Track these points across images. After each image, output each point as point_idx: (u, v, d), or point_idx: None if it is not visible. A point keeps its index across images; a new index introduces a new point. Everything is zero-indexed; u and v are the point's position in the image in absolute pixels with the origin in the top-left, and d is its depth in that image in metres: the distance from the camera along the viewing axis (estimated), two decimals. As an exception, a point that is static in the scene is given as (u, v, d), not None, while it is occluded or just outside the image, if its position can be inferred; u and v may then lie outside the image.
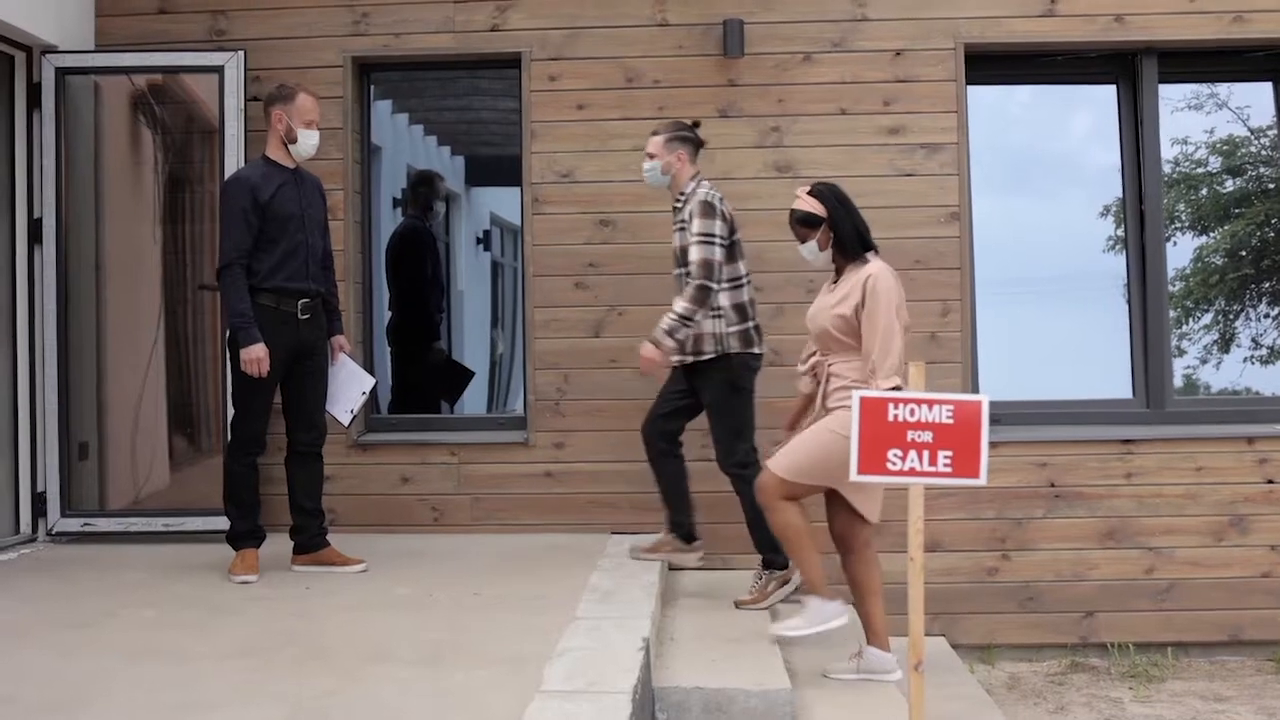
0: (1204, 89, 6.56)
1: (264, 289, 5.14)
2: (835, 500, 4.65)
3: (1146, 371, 6.29)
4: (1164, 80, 6.33)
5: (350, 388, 5.50)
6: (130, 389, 6.27)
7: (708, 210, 5.15)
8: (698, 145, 5.36)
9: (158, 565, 5.48)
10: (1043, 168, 6.66)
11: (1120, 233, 6.49)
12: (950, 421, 3.79)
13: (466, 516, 6.17)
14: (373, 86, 6.62)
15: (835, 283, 4.68)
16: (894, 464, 3.82)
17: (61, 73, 6.04)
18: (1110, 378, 6.44)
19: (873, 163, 6.15)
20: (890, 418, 3.82)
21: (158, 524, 6.05)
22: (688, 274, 5.13)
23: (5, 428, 6.09)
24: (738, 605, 5.20)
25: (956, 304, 6.12)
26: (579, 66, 6.22)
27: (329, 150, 6.16)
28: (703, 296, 5.08)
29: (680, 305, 5.08)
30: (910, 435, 3.81)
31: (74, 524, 6.06)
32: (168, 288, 6.31)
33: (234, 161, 5.97)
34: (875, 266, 4.52)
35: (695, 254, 5.10)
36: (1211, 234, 6.74)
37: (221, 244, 5.13)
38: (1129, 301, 6.37)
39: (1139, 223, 6.32)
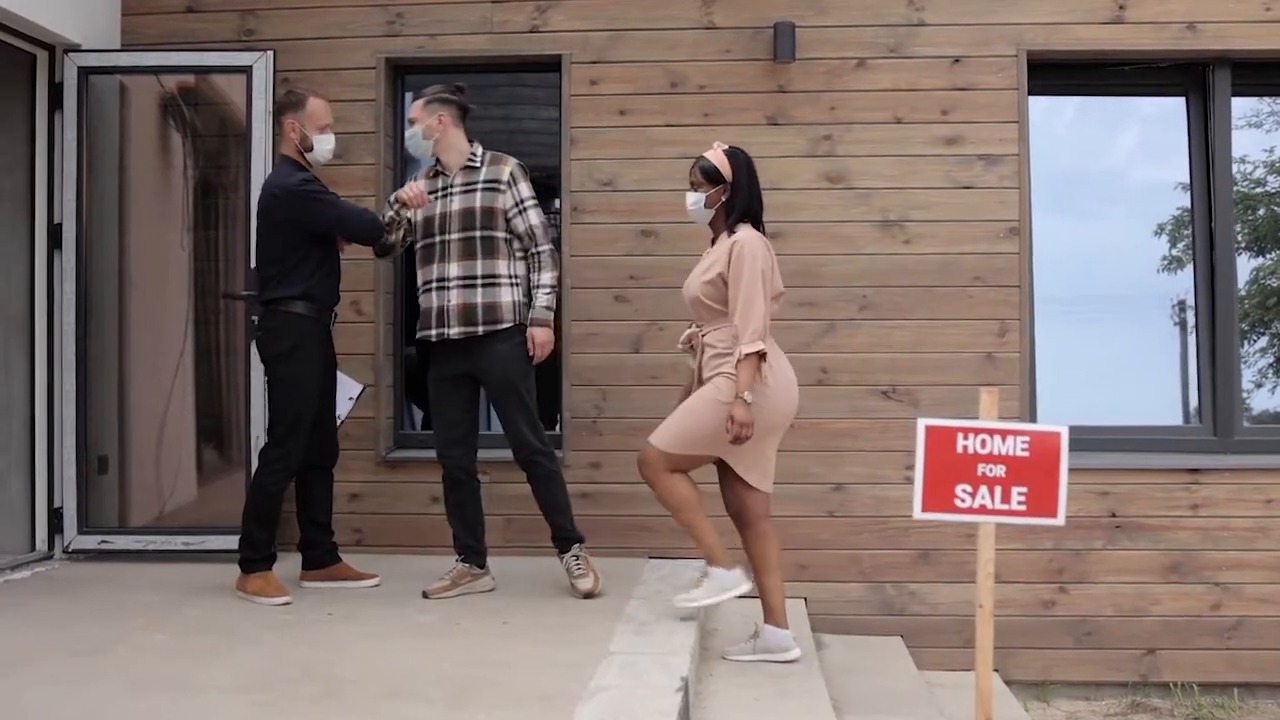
0: (1264, 105, 6.31)
1: (304, 298, 5.00)
2: (727, 475, 4.60)
3: (1214, 398, 6.04)
4: (1237, 93, 6.07)
5: (339, 394, 5.40)
6: (155, 401, 6.11)
7: (528, 173, 5.15)
8: (463, 108, 5.18)
9: (175, 586, 5.30)
10: (1086, 184, 6.40)
11: (1176, 252, 6.28)
12: (1025, 454, 3.53)
13: (498, 538, 5.92)
14: (408, 90, 6.40)
15: (707, 251, 4.67)
16: (962, 501, 3.56)
17: (84, 72, 5.87)
18: (1160, 403, 6.28)
19: (929, 174, 5.91)
20: (959, 449, 3.57)
21: (177, 542, 5.86)
22: (485, 237, 5.03)
23: (22, 440, 5.93)
24: (425, 594, 5.08)
25: (1015, 323, 5.88)
26: (621, 70, 6.02)
27: (361, 155, 6.02)
28: (558, 261, 5.18)
29: (548, 276, 5.07)
30: (981, 469, 3.55)
31: (91, 541, 5.87)
32: (197, 297, 6.14)
33: (261, 165, 5.78)
34: (745, 234, 4.49)
35: (536, 217, 5.09)
36: (1269, 255, 6.50)
37: (335, 214, 5.00)
38: (1196, 324, 6.14)
39: (1208, 241, 6.07)
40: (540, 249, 5.07)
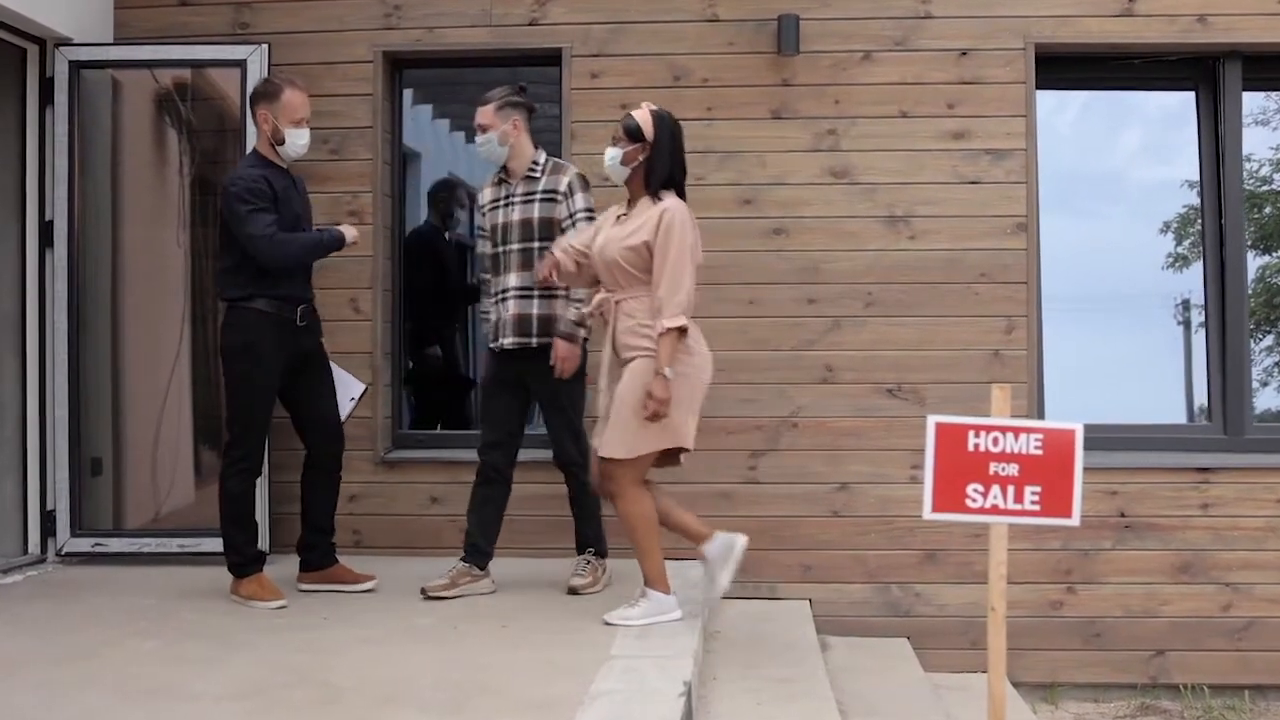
0: (1271, 102, 6.24)
1: (266, 295, 4.89)
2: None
3: (1224, 396, 5.96)
4: (1248, 87, 5.99)
5: (339, 394, 5.29)
6: (150, 402, 6.03)
7: (586, 185, 5.08)
8: (530, 110, 5.15)
9: (168, 589, 5.21)
10: (1089, 183, 6.34)
11: (1181, 249, 6.23)
12: (1039, 453, 3.42)
13: (499, 540, 5.84)
14: (406, 85, 6.35)
15: (626, 214, 4.59)
16: (974, 501, 3.45)
17: (76, 66, 5.78)
18: (1164, 401, 6.24)
19: (935, 169, 5.83)
20: (970, 447, 3.46)
21: (172, 544, 5.77)
22: (543, 248, 4.92)
23: (14, 442, 5.83)
24: (424, 591, 5.05)
25: (1022, 320, 5.79)
26: (623, 63, 5.92)
27: (358, 150, 5.94)
28: None
29: (586, 291, 4.92)
30: (993, 468, 3.44)
31: (84, 544, 5.78)
32: (193, 296, 6.04)
33: (257, 162, 5.69)
34: (672, 202, 4.45)
35: None
36: (1275, 253, 6.46)
37: (252, 224, 4.76)
38: (1206, 322, 6.06)
39: (1218, 238, 5.99)
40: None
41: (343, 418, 5.28)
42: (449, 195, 7.14)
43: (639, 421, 4.36)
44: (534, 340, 4.99)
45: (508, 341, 5.04)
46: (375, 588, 5.14)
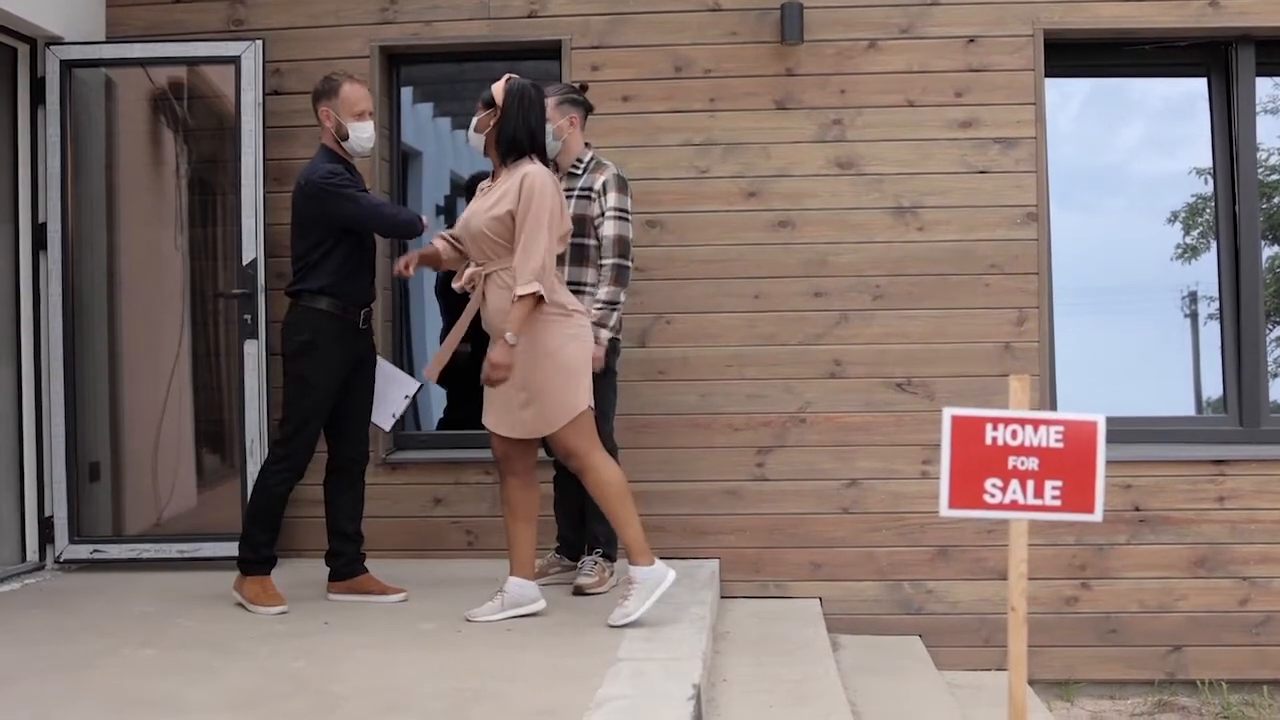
0: (1280, 92, 6.18)
1: (330, 294, 4.85)
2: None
3: (1240, 387, 5.88)
4: (1261, 72, 5.90)
5: (391, 391, 5.21)
6: (149, 406, 5.94)
7: (623, 185, 5.06)
8: (588, 109, 5.17)
9: (168, 596, 5.14)
10: (1094, 175, 6.26)
11: (1190, 239, 6.15)
12: (1060, 445, 3.29)
13: (503, 540, 5.64)
14: (404, 80, 6.27)
15: (492, 183, 4.62)
16: (993, 496, 3.32)
17: (68, 65, 5.70)
18: (1175, 393, 6.17)
19: (943, 159, 5.74)
20: (988, 441, 3.34)
21: (172, 550, 5.70)
22: (576, 245, 4.96)
23: (10, 448, 5.75)
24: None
25: (1034, 312, 5.71)
26: (624, 55, 5.84)
27: (354, 147, 5.83)
28: (624, 277, 5.01)
29: (604, 291, 4.96)
30: (1012, 462, 3.32)
31: (83, 551, 5.71)
32: (193, 298, 5.97)
33: (251, 160, 5.64)
34: (533, 167, 4.47)
35: (612, 229, 4.98)
36: None
37: (357, 210, 4.85)
38: (1220, 312, 5.98)
39: (1232, 226, 5.91)
40: (605, 261, 4.96)
41: (397, 415, 5.24)
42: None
43: (563, 385, 4.43)
44: None
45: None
46: (406, 599, 5.00)
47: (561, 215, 4.50)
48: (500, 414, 4.57)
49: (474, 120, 4.60)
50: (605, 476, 4.49)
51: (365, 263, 5.01)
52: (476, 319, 4.63)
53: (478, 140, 4.61)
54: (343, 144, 4.91)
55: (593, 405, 4.52)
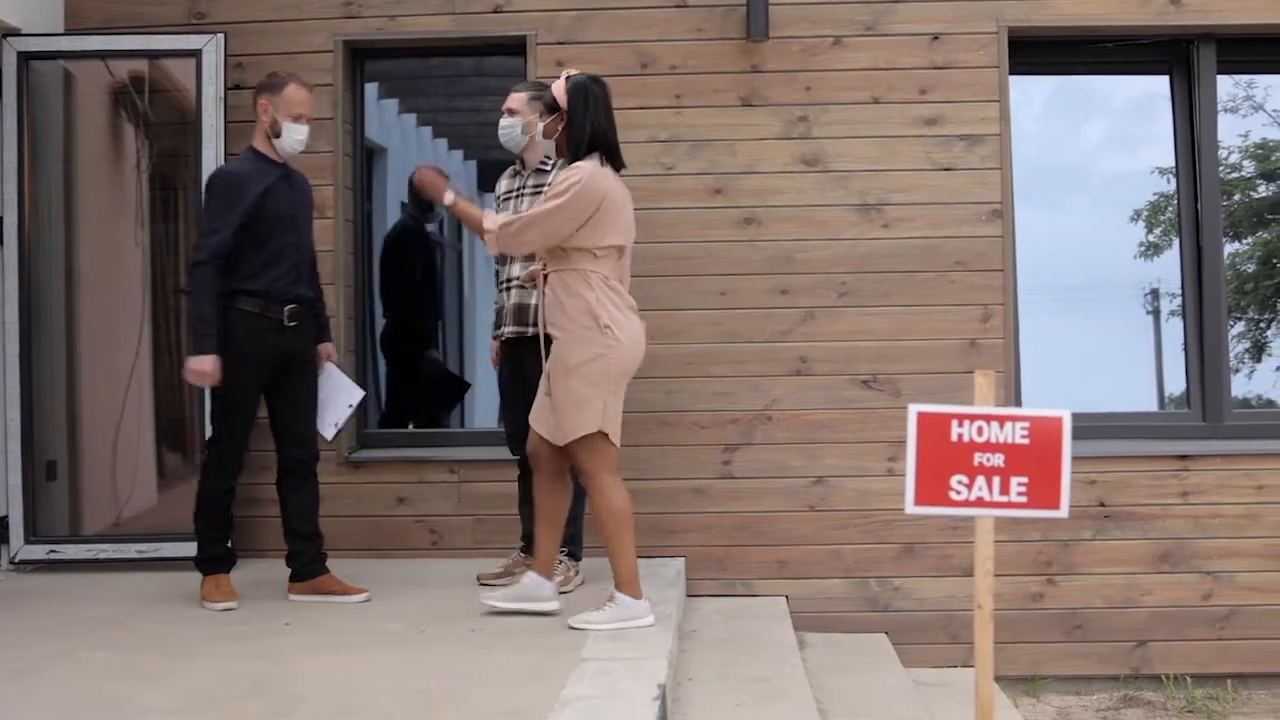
0: (1239, 90, 6.20)
1: (249, 293, 4.78)
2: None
3: (1202, 383, 5.91)
4: (1222, 70, 5.94)
5: (336, 400, 5.13)
6: (108, 403, 5.85)
7: None
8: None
9: (125, 597, 5.06)
10: (1053, 174, 6.30)
11: (1153, 237, 6.20)
12: (1025, 442, 3.29)
13: (468, 539, 5.76)
14: (368, 75, 6.22)
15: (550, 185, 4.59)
16: (958, 493, 3.31)
17: (25, 58, 5.63)
18: (1137, 389, 6.21)
19: (908, 155, 5.75)
20: (954, 437, 3.33)
21: (131, 550, 5.62)
22: None
23: (-36, 446, 5.65)
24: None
25: (999, 308, 5.72)
26: (589, 51, 5.80)
27: (318, 143, 5.77)
28: None
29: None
30: (978, 458, 3.31)
31: (39, 551, 5.63)
32: (152, 293, 5.89)
33: (212, 154, 5.58)
34: (587, 166, 4.36)
35: None
36: (1244, 241, 6.46)
37: (201, 239, 4.75)
38: (1183, 308, 6.00)
39: (1194, 224, 5.93)
40: None
41: (340, 424, 5.15)
42: None
43: (587, 401, 4.31)
44: (530, 329, 4.90)
45: (508, 330, 5.03)
46: (369, 599, 4.93)
47: (616, 221, 4.41)
48: (540, 411, 4.51)
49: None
50: (610, 503, 4.38)
51: (284, 259, 4.88)
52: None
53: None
54: (273, 140, 4.88)
55: (607, 432, 4.40)
